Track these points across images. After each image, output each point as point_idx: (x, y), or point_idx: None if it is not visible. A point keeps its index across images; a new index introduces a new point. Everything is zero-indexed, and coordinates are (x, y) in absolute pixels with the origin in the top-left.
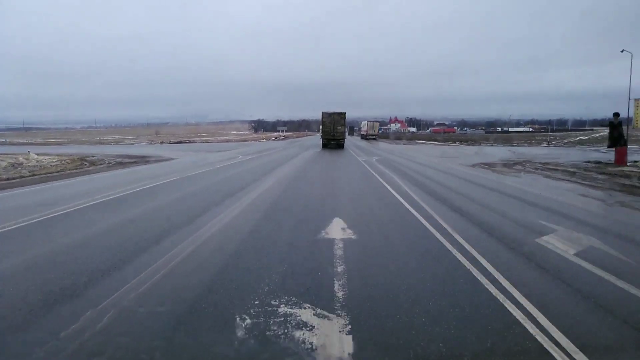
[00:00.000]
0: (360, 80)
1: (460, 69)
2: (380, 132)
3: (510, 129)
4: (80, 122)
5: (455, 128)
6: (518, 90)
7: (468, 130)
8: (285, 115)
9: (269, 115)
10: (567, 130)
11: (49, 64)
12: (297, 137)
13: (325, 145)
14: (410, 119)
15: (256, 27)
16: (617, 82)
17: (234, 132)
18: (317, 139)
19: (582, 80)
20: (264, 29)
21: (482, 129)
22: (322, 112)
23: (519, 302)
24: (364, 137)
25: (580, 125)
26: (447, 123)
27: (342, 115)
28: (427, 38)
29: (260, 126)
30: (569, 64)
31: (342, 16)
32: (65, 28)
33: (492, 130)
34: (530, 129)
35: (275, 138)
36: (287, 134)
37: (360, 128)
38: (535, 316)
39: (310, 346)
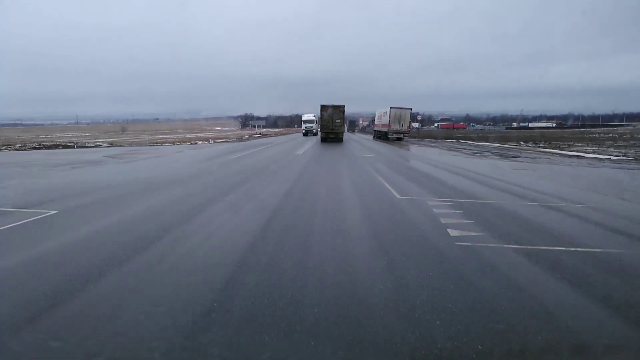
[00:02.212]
0: (359, 75)
1: (461, 64)
2: (411, 128)
3: (530, 125)
4: (68, 119)
5: (462, 123)
6: (520, 85)
7: (475, 125)
8: (280, 111)
9: (264, 111)
10: (597, 125)
11: (42, 59)
12: (283, 134)
13: (324, 140)
14: (372, 120)
15: (253, 21)
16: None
17: (218, 128)
18: (298, 140)
19: (589, 76)
20: (261, 24)
21: (490, 124)
22: (321, 105)
23: None
24: (381, 137)
25: (594, 120)
26: (449, 118)
27: (340, 108)
28: (427, 33)
29: (249, 121)
30: (574, 58)
31: (341, 9)
32: (59, 22)
33: (512, 127)
34: (554, 124)
35: (249, 136)
36: (266, 130)
37: (372, 120)
38: None
39: None
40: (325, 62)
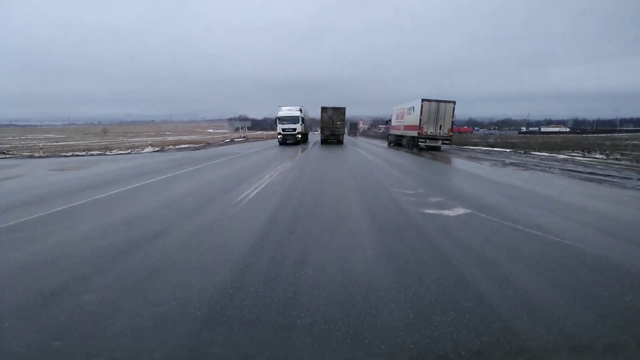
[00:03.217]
0: (358, 78)
1: (461, 67)
2: (453, 132)
3: (541, 129)
4: (64, 120)
5: (468, 127)
6: (520, 89)
7: (480, 130)
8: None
9: (262, 113)
10: (615, 130)
11: (41, 59)
12: (273, 137)
13: (324, 141)
14: (387, 120)
15: (253, 24)
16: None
17: (211, 130)
18: (273, 151)
19: (591, 79)
20: (261, 27)
21: (494, 128)
22: (321, 107)
23: None
24: (403, 144)
25: (602, 124)
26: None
27: (341, 110)
28: (427, 36)
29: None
30: (574, 62)
31: (340, 12)
32: (58, 22)
33: (523, 132)
34: (567, 129)
35: (231, 140)
36: (260, 132)
37: (387, 122)
38: None
39: None
40: (324, 65)
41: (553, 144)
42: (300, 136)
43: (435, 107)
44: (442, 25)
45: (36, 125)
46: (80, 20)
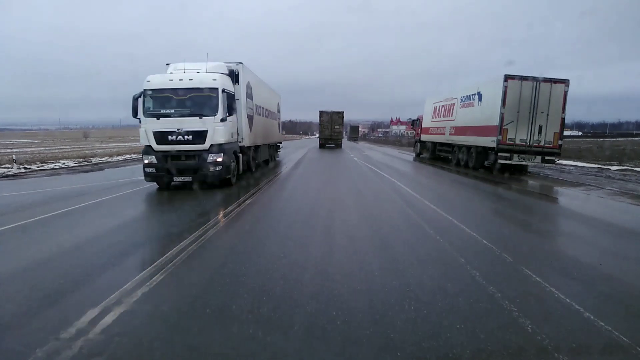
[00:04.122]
0: (357, 82)
1: (461, 71)
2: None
3: None
4: (59, 124)
5: None
6: None
7: None
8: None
9: None
10: (634, 134)
11: (42, 62)
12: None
13: (322, 145)
14: (413, 120)
15: (254, 27)
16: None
17: None
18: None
19: (591, 83)
20: (262, 30)
21: None
22: (320, 111)
23: None
24: (445, 157)
25: (614, 128)
26: None
27: (340, 114)
28: (426, 39)
29: None
30: (574, 65)
31: (341, 15)
32: (56, 25)
33: None
34: (579, 133)
35: None
36: None
37: (414, 121)
38: None
39: None
40: (323, 69)
41: (593, 152)
42: (221, 165)
43: (530, 89)
44: (442, 29)
45: (31, 129)
46: (78, 22)
